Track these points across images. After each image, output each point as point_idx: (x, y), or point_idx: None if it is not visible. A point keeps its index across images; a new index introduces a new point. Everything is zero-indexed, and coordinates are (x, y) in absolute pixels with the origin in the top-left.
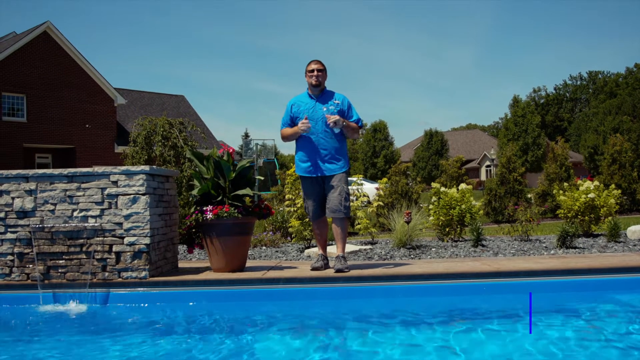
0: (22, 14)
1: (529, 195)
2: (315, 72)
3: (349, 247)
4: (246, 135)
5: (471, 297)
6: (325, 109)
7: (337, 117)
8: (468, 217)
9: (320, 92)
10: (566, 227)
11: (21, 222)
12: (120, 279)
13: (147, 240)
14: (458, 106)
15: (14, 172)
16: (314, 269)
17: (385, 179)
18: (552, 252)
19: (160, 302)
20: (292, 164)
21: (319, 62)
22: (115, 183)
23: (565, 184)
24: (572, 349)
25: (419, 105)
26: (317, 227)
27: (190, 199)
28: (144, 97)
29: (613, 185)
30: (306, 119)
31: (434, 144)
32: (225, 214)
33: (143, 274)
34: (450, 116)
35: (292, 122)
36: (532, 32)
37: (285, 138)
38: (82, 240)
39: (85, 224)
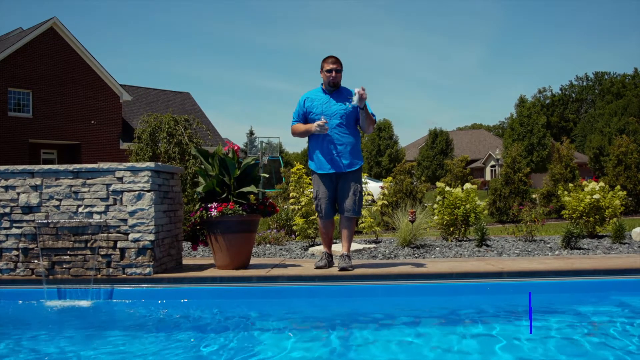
0: (29, 10)
1: (534, 196)
2: (334, 74)
3: (353, 246)
4: (251, 133)
5: (474, 297)
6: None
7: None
8: (472, 216)
9: (335, 89)
10: (571, 228)
11: (26, 217)
12: (124, 275)
13: (151, 237)
14: (463, 106)
15: (20, 167)
16: (318, 267)
17: (389, 178)
18: (557, 252)
19: (164, 298)
20: (296, 162)
21: (337, 61)
22: (120, 179)
23: (570, 184)
24: (573, 350)
25: (424, 104)
26: (324, 225)
27: (195, 196)
28: (149, 94)
29: (618, 187)
30: (323, 119)
31: (439, 144)
32: (230, 211)
33: (147, 270)
34: (455, 116)
35: (305, 117)
36: (538, 32)
37: (296, 134)
38: (86, 236)
39: (90, 220)
